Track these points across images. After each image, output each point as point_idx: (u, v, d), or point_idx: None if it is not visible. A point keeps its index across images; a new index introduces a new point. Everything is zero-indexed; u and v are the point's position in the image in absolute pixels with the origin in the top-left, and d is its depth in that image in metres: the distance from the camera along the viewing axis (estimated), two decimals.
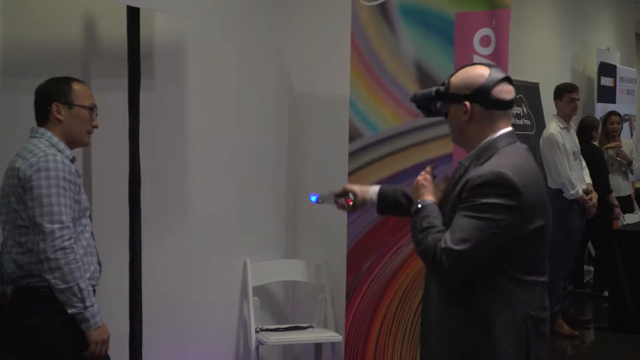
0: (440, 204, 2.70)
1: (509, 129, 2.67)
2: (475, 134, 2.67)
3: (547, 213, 2.61)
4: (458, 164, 2.73)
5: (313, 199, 3.17)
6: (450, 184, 2.73)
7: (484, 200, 2.49)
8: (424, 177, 2.78)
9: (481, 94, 2.63)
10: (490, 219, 2.48)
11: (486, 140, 2.64)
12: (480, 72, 2.67)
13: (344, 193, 3.11)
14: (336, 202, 3.13)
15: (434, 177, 2.79)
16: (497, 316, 2.53)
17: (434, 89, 2.75)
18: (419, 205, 2.68)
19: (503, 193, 2.48)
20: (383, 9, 4.48)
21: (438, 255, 2.51)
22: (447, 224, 2.58)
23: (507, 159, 2.56)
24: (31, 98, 3.32)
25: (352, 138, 4.60)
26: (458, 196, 2.58)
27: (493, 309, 2.54)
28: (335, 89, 5.12)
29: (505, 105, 2.67)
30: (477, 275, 2.53)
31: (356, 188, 3.14)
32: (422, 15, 4.38)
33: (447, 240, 2.50)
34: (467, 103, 2.64)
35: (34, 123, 3.31)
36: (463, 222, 2.50)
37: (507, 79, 2.68)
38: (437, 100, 2.74)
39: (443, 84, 2.74)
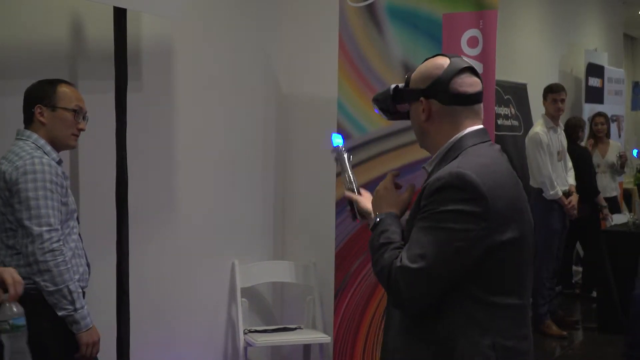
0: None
1: (478, 126, 2.30)
2: (436, 134, 2.32)
3: (522, 224, 2.21)
4: (422, 170, 2.40)
5: (337, 140, 2.72)
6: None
7: (442, 208, 2.12)
8: (383, 186, 2.45)
9: (438, 88, 2.27)
10: (450, 229, 2.10)
11: (450, 140, 2.29)
12: (439, 63, 2.31)
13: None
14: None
15: (397, 185, 2.47)
16: (459, 347, 2.15)
17: (392, 86, 2.42)
18: (377, 219, 2.35)
19: (464, 197, 2.11)
20: (371, 10, 4.49)
21: (393, 275, 2.15)
22: (406, 237, 2.23)
23: (471, 159, 2.20)
24: (18, 99, 3.32)
25: None
26: (417, 205, 2.22)
27: (454, 337, 2.15)
28: (323, 90, 5.12)
29: (468, 99, 2.28)
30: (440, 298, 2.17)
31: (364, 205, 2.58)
32: (409, 16, 4.38)
33: (403, 257, 2.14)
34: (423, 99, 2.30)
35: (20, 125, 3.31)
36: (420, 235, 2.14)
37: (470, 69, 2.31)
38: (395, 99, 2.41)
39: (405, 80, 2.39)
